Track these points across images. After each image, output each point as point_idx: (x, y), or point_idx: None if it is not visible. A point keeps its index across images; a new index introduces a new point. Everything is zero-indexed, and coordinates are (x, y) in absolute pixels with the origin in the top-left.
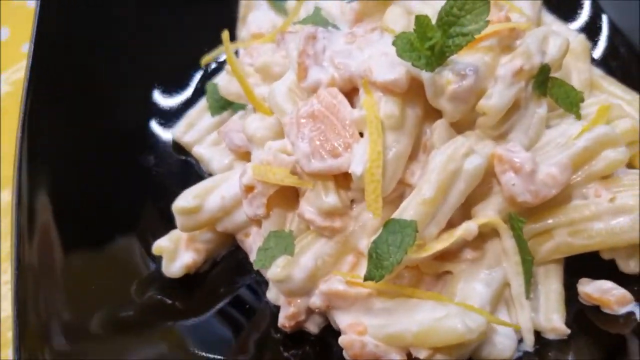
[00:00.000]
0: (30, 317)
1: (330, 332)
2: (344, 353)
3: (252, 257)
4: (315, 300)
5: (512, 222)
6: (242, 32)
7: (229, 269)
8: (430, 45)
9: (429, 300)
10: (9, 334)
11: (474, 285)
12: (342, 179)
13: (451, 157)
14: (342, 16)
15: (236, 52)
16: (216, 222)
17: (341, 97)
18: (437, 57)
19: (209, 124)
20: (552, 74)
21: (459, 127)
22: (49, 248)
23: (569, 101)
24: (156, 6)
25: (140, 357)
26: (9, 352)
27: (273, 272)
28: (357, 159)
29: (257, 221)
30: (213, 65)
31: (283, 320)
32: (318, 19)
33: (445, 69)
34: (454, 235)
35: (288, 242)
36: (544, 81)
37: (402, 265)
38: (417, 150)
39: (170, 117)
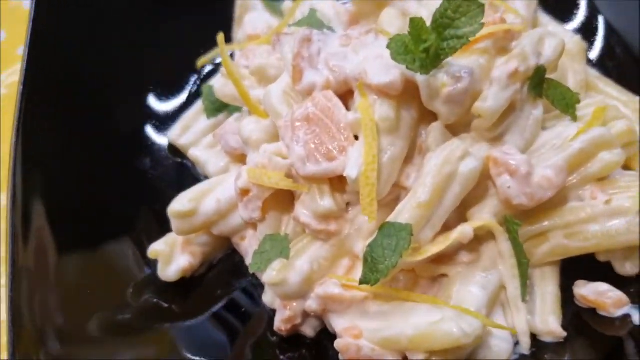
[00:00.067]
0: (25, 321)
1: (327, 336)
2: (340, 357)
3: (248, 261)
4: (311, 304)
5: (508, 224)
6: (238, 33)
7: (225, 272)
8: (425, 47)
9: (425, 304)
10: (4, 338)
11: (470, 288)
12: (338, 182)
13: (446, 160)
14: (337, 18)
15: (233, 54)
16: (212, 225)
17: (336, 100)
18: (432, 60)
19: (204, 126)
20: (548, 76)
21: (455, 129)
22: (44, 252)
23: (565, 103)
24: (152, 8)
25: None
26: (4, 356)
27: (269, 276)
28: (352, 163)
29: (252, 224)
30: (209, 67)
31: (279, 324)
32: (313, 20)
33: (440, 72)
34: (449, 239)
35: (284, 245)
36: (539, 83)
37: (397, 268)
38: (412, 152)
39: (166, 120)
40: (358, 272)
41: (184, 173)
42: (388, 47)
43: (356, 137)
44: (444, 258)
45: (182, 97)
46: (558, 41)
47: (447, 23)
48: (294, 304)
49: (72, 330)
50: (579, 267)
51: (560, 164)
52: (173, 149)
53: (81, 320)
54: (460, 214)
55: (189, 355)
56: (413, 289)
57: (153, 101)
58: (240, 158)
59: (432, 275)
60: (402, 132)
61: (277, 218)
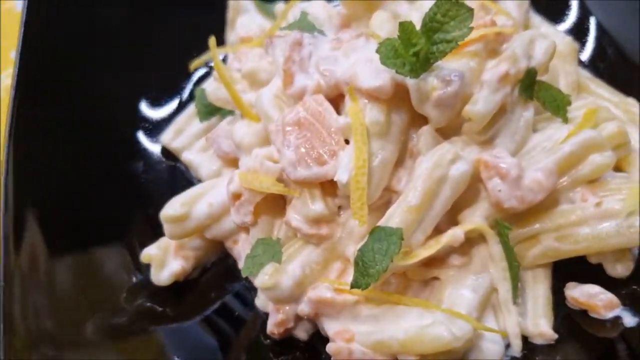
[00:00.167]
0: (18, 325)
1: (320, 339)
2: None
3: (241, 264)
4: (304, 308)
5: (499, 228)
6: (231, 36)
7: (218, 276)
8: (414, 51)
9: (416, 307)
10: None
11: (462, 291)
12: (329, 186)
13: (437, 163)
14: (329, 20)
15: (226, 57)
16: (204, 229)
17: (327, 104)
18: (421, 64)
19: (197, 129)
20: (539, 77)
21: (445, 132)
22: (36, 256)
23: (556, 105)
24: (145, 11)
25: None
26: None
27: (261, 280)
28: (343, 167)
29: (245, 228)
30: (203, 70)
31: (272, 327)
32: (304, 24)
33: (430, 75)
34: (440, 242)
35: (276, 249)
36: (530, 85)
37: (388, 272)
38: (403, 156)
39: (159, 123)
40: (350, 276)
41: (177, 176)
42: (377, 51)
43: (347, 141)
44: (436, 261)
45: (175, 100)
46: (549, 43)
47: (436, 27)
48: (287, 308)
49: (65, 335)
50: (571, 269)
51: (550, 167)
52: (166, 152)
53: (74, 324)
54: (451, 217)
55: (182, 358)
56: (405, 292)
57: (146, 104)
58: (232, 162)
59: (423, 278)
60: (393, 135)
61: (269, 222)
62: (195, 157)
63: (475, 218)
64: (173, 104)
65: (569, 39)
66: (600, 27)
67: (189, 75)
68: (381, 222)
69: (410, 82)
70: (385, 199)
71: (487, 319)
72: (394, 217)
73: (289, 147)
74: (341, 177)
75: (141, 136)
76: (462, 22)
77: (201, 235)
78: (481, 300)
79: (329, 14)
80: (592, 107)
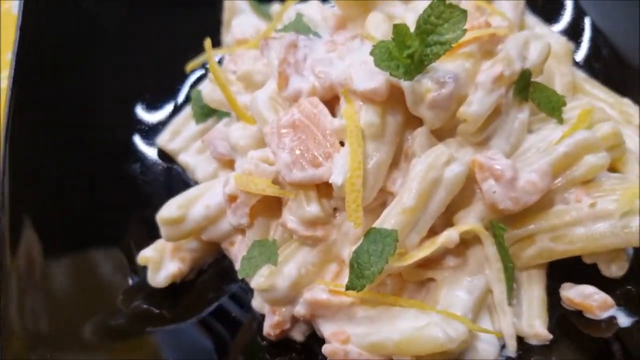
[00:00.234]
0: (14, 327)
1: (316, 340)
2: None
3: (238, 266)
4: (300, 309)
5: (494, 229)
6: (227, 37)
7: (215, 277)
8: (408, 53)
9: (412, 308)
10: None
11: (457, 292)
12: (324, 188)
13: (431, 165)
14: (324, 22)
15: (222, 58)
16: (201, 231)
17: (321, 107)
18: (416, 66)
19: (194, 131)
20: (534, 78)
21: (440, 134)
22: (33, 258)
23: (551, 106)
24: (141, 13)
25: None
26: None
27: (257, 282)
28: (338, 169)
29: (241, 230)
30: (200, 72)
31: (268, 329)
32: (300, 25)
33: (425, 77)
34: (435, 243)
35: (272, 251)
36: (525, 86)
37: (383, 274)
38: (398, 158)
39: (155, 125)
40: (345, 277)
41: (173, 178)
42: (372, 53)
43: (342, 144)
44: (431, 262)
45: (171, 103)
46: (543, 44)
47: (430, 29)
48: (283, 309)
49: (62, 336)
50: (566, 269)
51: (544, 168)
52: (163, 154)
53: (71, 326)
54: (446, 219)
55: None
56: (400, 293)
57: (142, 106)
58: (228, 164)
59: (419, 279)
60: (388, 137)
61: (265, 224)
62: (191, 159)
63: (470, 219)
64: (169, 106)
65: (564, 39)
66: (595, 28)
67: (185, 77)
68: (376, 224)
69: (404, 84)
70: (381, 201)
71: (483, 320)
72: (389, 219)
73: (284, 150)
74: (336, 179)
75: (137, 138)
76: (455, 24)
77: (198, 237)
78: (476, 302)
79: (324, 15)
80: (587, 108)
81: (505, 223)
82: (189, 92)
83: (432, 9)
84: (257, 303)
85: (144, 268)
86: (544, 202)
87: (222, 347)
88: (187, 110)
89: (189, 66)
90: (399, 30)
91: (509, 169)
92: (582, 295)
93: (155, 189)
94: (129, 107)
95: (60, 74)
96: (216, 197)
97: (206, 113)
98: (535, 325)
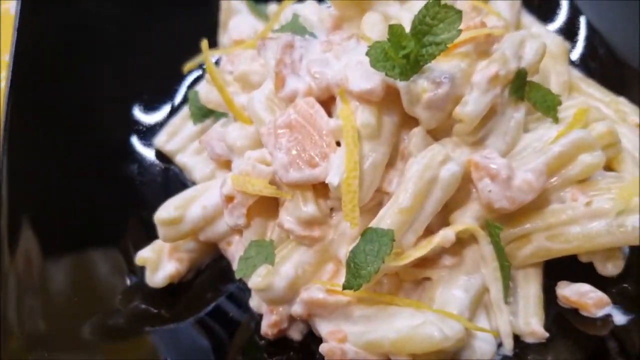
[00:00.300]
0: (13, 327)
1: (313, 339)
2: None
3: (235, 266)
4: (297, 309)
5: (490, 228)
6: (224, 38)
7: (213, 277)
8: (404, 54)
9: (408, 307)
10: None
11: (453, 291)
12: (321, 188)
13: (427, 165)
14: (320, 22)
15: (220, 59)
16: (198, 231)
17: (318, 107)
18: (411, 66)
19: (191, 132)
20: (530, 78)
21: (436, 134)
22: (31, 259)
23: (547, 105)
24: (138, 13)
25: None
26: None
27: (254, 282)
28: (334, 169)
29: (238, 230)
30: (198, 72)
31: (266, 328)
32: (296, 26)
33: (421, 77)
34: (431, 243)
35: (269, 251)
36: (521, 86)
37: (380, 273)
38: (395, 158)
39: (153, 126)
40: (342, 277)
41: (171, 179)
42: (367, 54)
43: (338, 144)
44: (427, 262)
45: (169, 103)
46: (539, 44)
47: (425, 29)
48: (280, 309)
49: (60, 337)
50: (562, 268)
51: (540, 168)
52: (160, 155)
53: (69, 326)
54: (442, 218)
55: (179, 359)
56: (397, 292)
57: (140, 107)
58: (225, 164)
59: (415, 279)
60: (384, 138)
61: (262, 224)
62: (189, 159)
63: (466, 219)
64: (167, 107)
65: (559, 39)
66: (590, 27)
67: (182, 78)
68: (373, 224)
69: (400, 84)
70: (377, 201)
71: (479, 319)
72: (385, 219)
73: (281, 150)
74: (332, 179)
75: (135, 139)
76: (450, 25)
77: (195, 237)
78: (473, 300)
79: (320, 16)
80: (582, 107)
81: (501, 222)
82: (186, 93)
83: (428, 9)
84: (254, 303)
85: (142, 268)
86: (540, 201)
87: (220, 347)
88: (185, 111)
89: (186, 67)
90: (395, 30)
91: (504, 168)
92: (578, 294)
93: (153, 189)
94: (127, 108)
95: (58, 75)
96: (213, 198)
97: (203, 114)
98: (532, 324)
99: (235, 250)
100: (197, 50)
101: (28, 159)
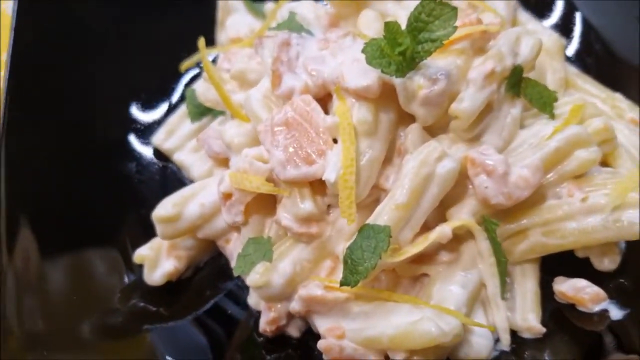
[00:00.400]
0: (12, 326)
1: (312, 336)
2: (324, 356)
3: (234, 263)
4: (295, 305)
5: (486, 224)
6: (221, 36)
7: (211, 275)
8: (400, 51)
9: (406, 304)
10: None
11: (450, 287)
12: (318, 185)
13: (424, 161)
14: (317, 20)
15: (217, 57)
16: (196, 229)
17: (314, 104)
18: (407, 63)
19: (189, 130)
20: (526, 74)
21: (433, 130)
22: (29, 258)
23: (543, 101)
24: (136, 12)
25: None
26: None
27: (252, 279)
28: (331, 166)
29: (236, 227)
30: (195, 71)
31: (264, 325)
32: (293, 24)
33: (417, 74)
34: (428, 239)
35: (266, 248)
36: (517, 82)
37: (377, 269)
38: (391, 154)
39: (151, 124)
40: (340, 273)
41: (169, 177)
42: (363, 51)
43: (335, 141)
44: (425, 258)
45: (167, 102)
46: (535, 40)
47: (421, 26)
48: (278, 306)
49: (59, 336)
50: (558, 263)
51: (536, 164)
52: (158, 153)
53: (68, 325)
54: (439, 214)
55: (177, 358)
56: (394, 288)
57: (137, 106)
58: (223, 162)
59: (413, 275)
60: (380, 134)
61: (259, 221)
62: (186, 157)
63: (462, 215)
64: (164, 105)
65: (556, 35)
66: (586, 23)
67: (179, 76)
68: (369, 220)
69: (396, 81)
70: (374, 197)
71: (477, 314)
72: (382, 215)
73: (278, 147)
74: (329, 176)
75: (133, 138)
76: (446, 22)
77: (193, 235)
78: (470, 296)
79: (317, 14)
80: (578, 103)
81: (498, 218)
82: (183, 91)
83: (423, 6)
84: (253, 300)
85: (140, 266)
86: (536, 197)
87: (219, 344)
88: (182, 109)
89: (184, 65)
90: (390, 27)
91: (500, 165)
92: (574, 289)
93: (151, 187)
94: (124, 107)
95: (56, 74)
96: (211, 196)
97: (201, 112)
98: (529, 319)
99: (233, 248)
100: (194, 48)
101: (26, 157)
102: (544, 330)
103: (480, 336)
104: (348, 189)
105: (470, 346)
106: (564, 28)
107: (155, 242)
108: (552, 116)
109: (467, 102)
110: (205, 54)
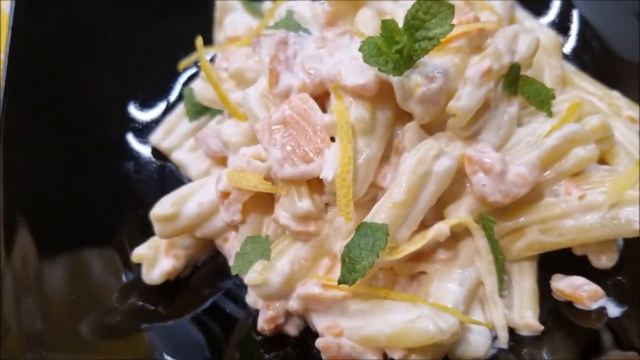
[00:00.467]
0: (10, 326)
1: (310, 334)
2: (322, 355)
3: (232, 262)
4: (293, 304)
5: (484, 222)
6: (219, 35)
7: (210, 274)
8: (397, 49)
9: (403, 302)
10: None
11: (448, 285)
12: (316, 183)
13: (421, 160)
14: (314, 19)
15: (215, 56)
16: (194, 228)
17: (312, 103)
18: (404, 61)
19: (187, 129)
20: (523, 72)
21: (430, 128)
22: (28, 258)
23: (540, 99)
24: (134, 11)
25: None
26: None
27: (250, 277)
28: (329, 165)
29: (234, 226)
30: (193, 70)
31: (262, 324)
32: (290, 23)
33: (414, 72)
34: (426, 237)
35: (264, 247)
36: (514, 80)
37: (375, 268)
38: (389, 152)
39: (149, 123)
40: (338, 272)
41: (167, 176)
42: (360, 49)
43: (332, 139)
44: (422, 256)
45: (165, 101)
46: (532, 38)
47: (418, 24)
48: (276, 304)
49: (58, 335)
50: (556, 261)
51: (533, 161)
52: (156, 152)
53: (66, 324)
54: (437, 212)
55: (176, 356)
56: (392, 286)
57: (135, 105)
58: (221, 161)
59: (410, 273)
60: (378, 133)
61: (257, 220)
62: (184, 156)
63: (460, 212)
64: (162, 105)
65: (553, 33)
66: (584, 20)
67: (177, 75)
68: (367, 219)
69: (394, 79)
70: (372, 196)
71: (474, 312)
72: (379, 213)
73: (276, 146)
74: (327, 174)
75: (131, 137)
76: (443, 20)
77: (191, 234)
78: (468, 294)
79: (314, 12)
80: (576, 101)
81: (495, 216)
82: (181, 90)
83: (420, 4)
84: (251, 299)
85: (139, 265)
86: (534, 195)
87: (218, 343)
88: (180, 109)
89: (182, 64)
90: (387, 26)
91: (498, 162)
92: (572, 286)
93: (149, 187)
94: (122, 106)
95: (53, 74)
96: (209, 194)
97: (199, 111)
98: (527, 317)
99: (231, 247)
100: (192, 47)
101: (24, 157)
102: (541, 327)
103: (478, 334)
104: (345, 187)
105: (468, 344)
106: (561, 26)
107: (153, 241)
108: (550, 114)
109: (465, 100)
110: (203, 53)
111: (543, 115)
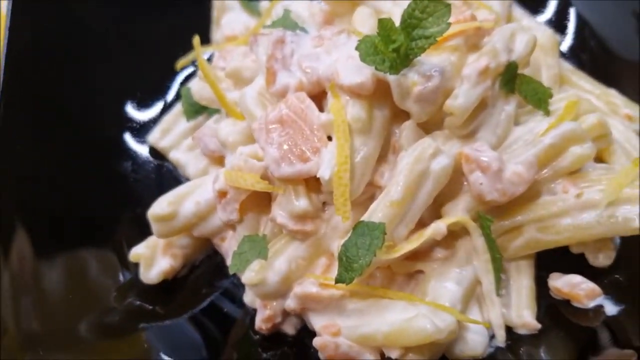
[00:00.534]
0: (8, 326)
1: (307, 333)
2: (319, 354)
3: (229, 261)
4: (290, 303)
5: (481, 220)
6: (217, 34)
7: (207, 273)
8: (394, 48)
9: (401, 300)
10: None
11: (445, 283)
12: (313, 182)
13: (418, 158)
14: (311, 18)
15: (212, 55)
16: (192, 227)
17: (309, 102)
18: (401, 60)
19: (184, 128)
20: (521, 71)
21: (427, 127)
22: (25, 257)
23: (537, 98)
24: (131, 11)
25: None
26: None
27: (248, 277)
28: (326, 163)
29: (232, 225)
30: (191, 69)
31: (260, 323)
32: (287, 21)
33: (411, 71)
34: (423, 236)
35: (262, 246)
36: (511, 78)
37: (372, 266)
38: (386, 151)
39: (146, 123)
40: (335, 271)
41: (164, 175)
42: (357, 48)
43: (329, 138)
44: (420, 254)
45: (162, 100)
46: (529, 36)
47: (415, 23)
48: (274, 304)
49: (56, 335)
50: (554, 259)
51: (530, 160)
52: (154, 151)
53: (64, 324)
54: (434, 211)
55: (174, 356)
56: (390, 285)
57: (133, 104)
58: (219, 160)
59: (408, 271)
60: (375, 131)
61: (255, 219)
62: (182, 156)
63: (457, 211)
64: (159, 104)
65: (550, 31)
66: (581, 19)
67: (175, 74)
68: (364, 217)
69: (390, 78)
70: (369, 194)
71: (472, 311)
72: (376, 212)
73: (273, 145)
74: (324, 173)
75: (128, 136)
76: (440, 18)
77: (189, 233)
78: (465, 293)
79: (311, 11)
80: (573, 100)
81: (493, 214)
82: (179, 89)
83: (417, 3)
84: (248, 298)
85: (136, 265)
86: (531, 193)
87: (215, 342)
88: (178, 108)
89: (179, 64)
90: (384, 24)
91: (495, 161)
92: (570, 285)
93: (147, 186)
94: (120, 105)
95: (51, 73)
96: (206, 194)
97: (196, 110)
98: (524, 315)
99: (229, 246)
100: (189, 47)
101: (21, 157)
102: (539, 326)
103: (476, 333)
104: (342, 186)
105: (466, 343)
106: (559, 24)
107: (151, 241)
108: (547, 112)
109: (462, 98)
110: (201, 52)
111: (540, 114)
